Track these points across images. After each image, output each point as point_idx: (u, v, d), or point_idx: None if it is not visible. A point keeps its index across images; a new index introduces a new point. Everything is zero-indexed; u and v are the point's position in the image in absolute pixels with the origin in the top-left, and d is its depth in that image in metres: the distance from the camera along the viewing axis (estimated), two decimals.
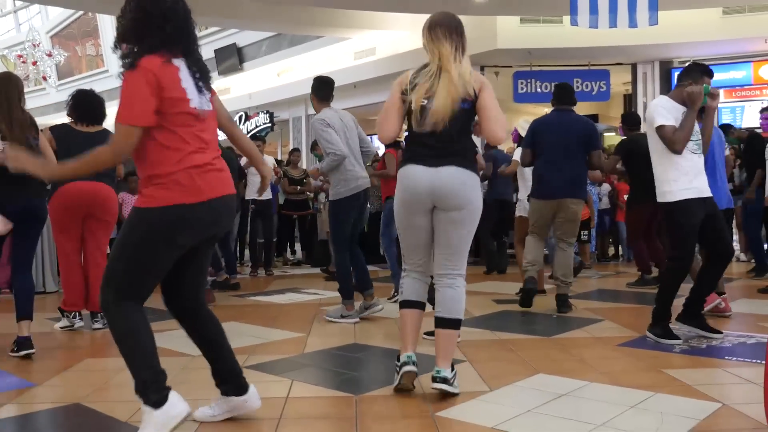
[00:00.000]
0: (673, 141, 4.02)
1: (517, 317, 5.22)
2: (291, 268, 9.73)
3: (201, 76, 2.65)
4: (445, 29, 3.14)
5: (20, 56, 19.46)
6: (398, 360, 3.13)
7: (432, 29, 3.16)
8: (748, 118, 11.74)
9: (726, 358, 3.77)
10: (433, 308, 3.19)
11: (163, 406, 2.41)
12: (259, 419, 2.82)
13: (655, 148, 4.19)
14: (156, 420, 2.40)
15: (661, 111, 4.11)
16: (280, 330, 4.83)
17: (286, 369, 3.68)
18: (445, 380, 3.00)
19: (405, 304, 3.24)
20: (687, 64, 4.39)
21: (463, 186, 3.06)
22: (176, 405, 2.45)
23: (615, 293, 6.55)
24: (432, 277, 3.25)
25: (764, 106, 5.63)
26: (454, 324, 3.13)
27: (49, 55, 19.61)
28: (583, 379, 3.33)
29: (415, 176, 3.09)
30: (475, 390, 3.18)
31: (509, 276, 8.15)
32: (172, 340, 4.49)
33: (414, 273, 3.25)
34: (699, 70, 4.23)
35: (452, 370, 3.06)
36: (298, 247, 10.83)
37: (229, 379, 2.77)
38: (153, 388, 2.44)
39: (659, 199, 4.19)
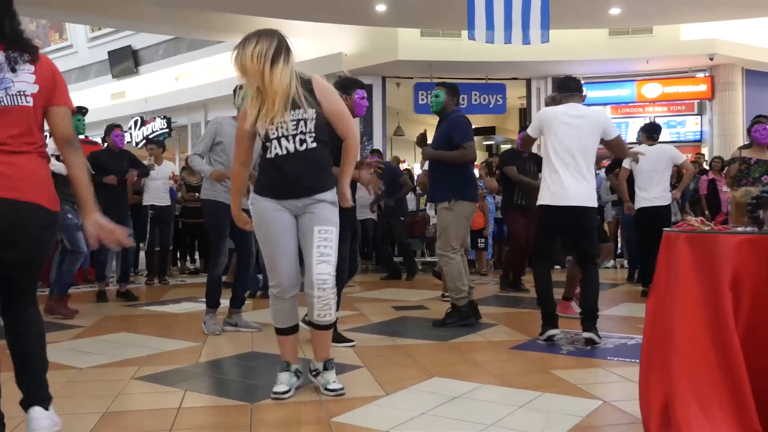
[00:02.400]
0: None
1: (415, 323, 5.30)
2: (189, 277, 9.48)
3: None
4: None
5: None
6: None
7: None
8: (632, 134, 12.45)
9: (608, 358, 3.98)
10: None
11: None
12: (149, 431, 2.72)
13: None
14: None
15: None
16: (174, 340, 4.69)
17: (179, 379, 3.58)
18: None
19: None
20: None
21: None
22: None
23: (510, 299, 6.78)
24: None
25: (755, 119, 5.90)
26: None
27: None
28: (476, 381, 3.42)
29: None
30: (371, 395, 3.20)
31: (407, 283, 8.29)
32: (56, 353, 4.28)
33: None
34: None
35: None
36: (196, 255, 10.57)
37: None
38: None
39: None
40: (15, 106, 2.33)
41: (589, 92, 12.75)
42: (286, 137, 3.06)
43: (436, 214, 5.29)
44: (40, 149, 2.42)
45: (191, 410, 3.03)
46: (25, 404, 2.44)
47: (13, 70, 2.33)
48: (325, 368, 3.25)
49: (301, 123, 3.06)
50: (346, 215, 4.44)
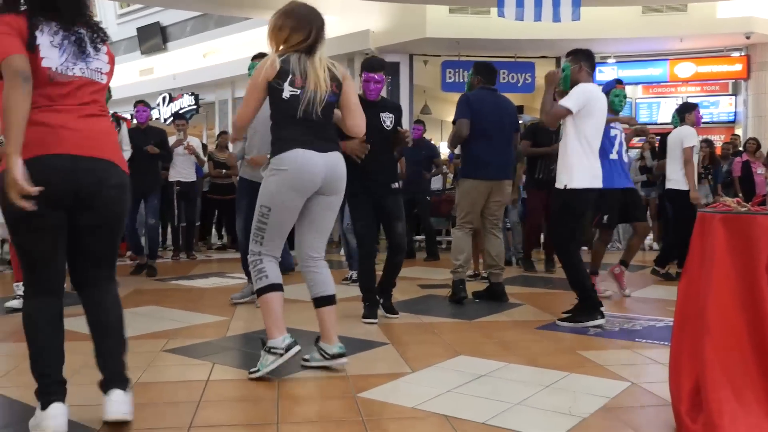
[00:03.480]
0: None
1: (440, 302, 5.30)
2: (215, 253, 9.57)
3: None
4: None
5: None
6: (277, 346, 3.09)
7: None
8: (664, 114, 12.26)
9: (636, 340, 3.95)
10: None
11: (43, 411, 2.33)
12: (178, 402, 2.77)
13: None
14: (34, 418, 2.37)
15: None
16: (202, 314, 4.75)
17: (207, 352, 3.62)
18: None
19: (275, 287, 3.18)
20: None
21: (343, 172, 3.24)
22: (52, 418, 2.32)
23: (535, 279, 6.74)
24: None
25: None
26: (335, 299, 3.31)
27: None
28: (502, 360, 3.42)
29: (311, 160, 3.11)
30: (397, 372, 3.22)
31: (432, 262, 8.28)
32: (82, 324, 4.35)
33: (274, 257, 3.24)
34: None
35: None
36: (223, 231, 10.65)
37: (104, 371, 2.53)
38: (38, 390, 2.38)
39: None
40: (93, 80, 2.45)
41: (620, 71, 12.57)
42: None
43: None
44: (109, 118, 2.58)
45: (219, 383, 3.07)
46: (105, 386, 2.47)
47: (96, 49, 2.47)
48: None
49: None
50: (396, 194, 4.46)
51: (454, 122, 5.22)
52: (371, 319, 4.42)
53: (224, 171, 9.39)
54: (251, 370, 3.13)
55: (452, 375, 3.16)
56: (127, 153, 6.00)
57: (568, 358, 3.51)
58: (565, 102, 4.34)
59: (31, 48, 2.29)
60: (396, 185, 4.51)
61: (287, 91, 3.09)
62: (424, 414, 2.62)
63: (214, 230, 10.72)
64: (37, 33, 2.31)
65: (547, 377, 3.11)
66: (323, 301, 3.26)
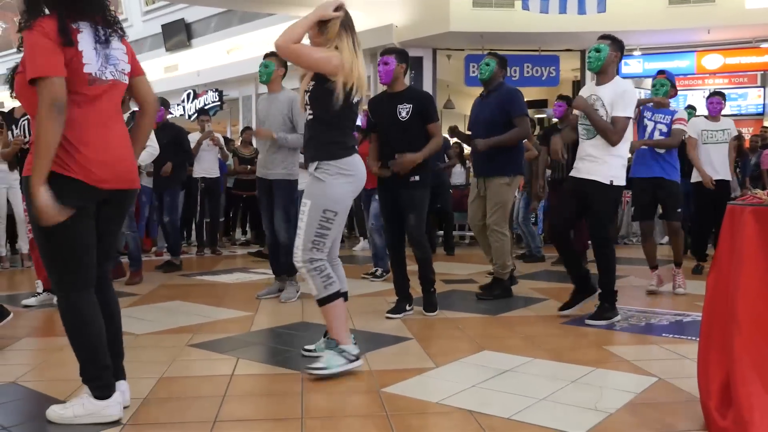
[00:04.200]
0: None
1: (464, 297, 5.27)
2: (239, 248, 9.63)
3: None
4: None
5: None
6: (350, 351, 3.09)
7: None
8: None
9: (663, 335, 3.90)
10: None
11: (105, 400, 2.44)
12: (203, 397, 2.79)
13: None
14: (90, 406, 2.44)
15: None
16: (227, 309, 4.78)
17: (232, 347, 3.65)
18: None
19: (342, 294, 3.19)
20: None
21: None
22: (115, 405, 2.46)
23: (560, 274, 6.67)
24: None
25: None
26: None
27: None
28: (527, 355, 3.39)
29: (363, 166, 3.25)
30: (421, 366, 3.21)
31: (456, 257, 8.26)
32: None
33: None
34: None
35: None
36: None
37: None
38: (95, 384, 2.45)
39: None
40: (121, 82, 2.51)
41: (646, 63, 12.40)
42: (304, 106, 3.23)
43: (484, 187, 5.14)
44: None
45: (244, 377, 3.09)
46: (115, 376, 2.54)
47: (118, 48, 2.50)
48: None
49: (306, 94, 3.19)
50: (413, 188, 4.39)
51: (520, 115, 4.98)
52: (393, 314, 4.41)
53: (249, 167, 9.42)
54: (317, 366, 3.01)
55: (477, 370, 3.15)
56: (151, 149, 5.92)
57: (593, 353, 3.48)
58: (625, 112, 4.15)
59: (71, 52, 2.31)
60: (416, 178, 4.38)
61: (355, 97, 3.12)
62: (449, 409, 2.61)
63: (238, 226, 10.79)
64: (79, 37, 2.35)
65: (572, 372, 3.08)
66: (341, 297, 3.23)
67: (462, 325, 4.18)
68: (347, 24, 3.10)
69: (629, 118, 4.19)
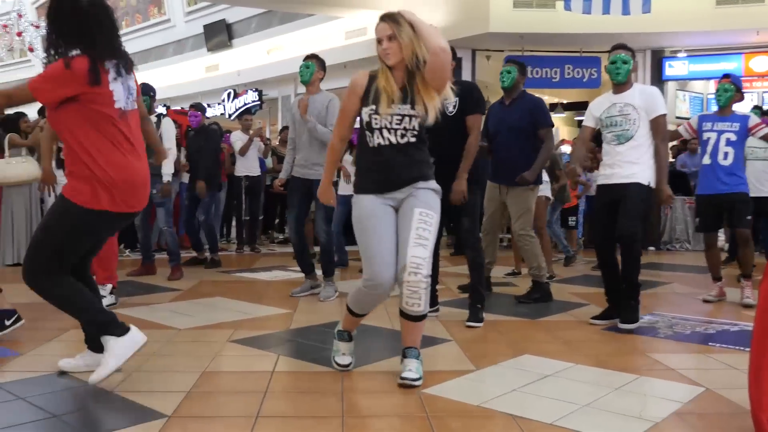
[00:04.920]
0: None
1: (502, 299, 5.24)
2: (278, 246, 9.70)
3: None
4: None
5: (5, 26, 19.09)
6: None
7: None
8: (738, 109, 11.78)
9: (709, 344, 3.80)
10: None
11: (126, 335, 2.75)
12: (245, 392, 2.81)
13: None
14: (121, 344, 2.73)
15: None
16: (267, 306, 4.82)
17: (272, 344, 3.68)
18: None
19: None
20: None
21: None
22: (137, 333, 2.80)
23: (598, 278, 6.56)
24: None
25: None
26: None
27: (36, 27, 19.21)
28: (568, 360, 3.34)
29: None
30: (461, 369, 3.19)
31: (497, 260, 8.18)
32: (156, 313, 4.49)
33: None
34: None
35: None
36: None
37: (95, 337, 2.92)
38: (114, 324, 2.75)
39: None
40: (134, 110, 2.89)
41: (692, 66, 12.16)
42: (389, 129, 2.93)
43: (505, 193, 5.12)
44: None
45: (284, 374, 3.11)
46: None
47: (131, 77, 2.86)
48: (404, 355, 2.98)
49: (406, 119, 2.93)
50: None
51: (542, 128, 5.00)
52: (473, 323, 4.25)
53: None
54: (414, 378, 2.88)
55: (517, 374, 3.12)
56: (170, 149, 5.88)
57: (637, 360, 3.42)
58: (664, 109, 4.23)
59: (99, 89, 2.65)
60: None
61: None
62: (490, 413, 2.58)
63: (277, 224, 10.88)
64: (109, 78, 2.69)
65: (615, 379, 3.03)
66: None
67: (502, 329, 4.15)
68: None
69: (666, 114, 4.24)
